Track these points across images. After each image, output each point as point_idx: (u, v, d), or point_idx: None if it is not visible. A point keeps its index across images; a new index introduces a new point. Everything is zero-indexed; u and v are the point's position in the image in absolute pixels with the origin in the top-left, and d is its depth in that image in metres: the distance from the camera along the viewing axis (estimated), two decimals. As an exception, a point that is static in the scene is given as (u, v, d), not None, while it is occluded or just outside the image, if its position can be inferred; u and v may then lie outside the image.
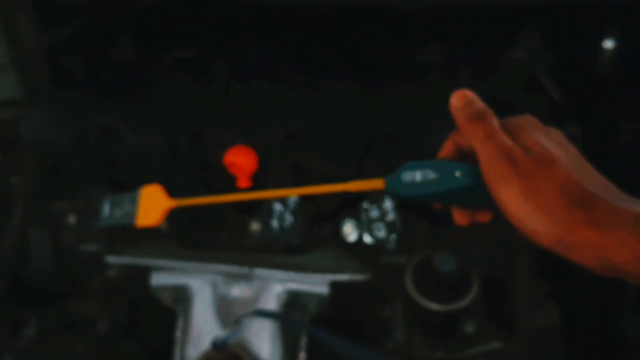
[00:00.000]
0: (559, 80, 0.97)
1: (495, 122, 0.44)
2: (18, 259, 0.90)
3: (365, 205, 0.81)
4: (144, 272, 0.88)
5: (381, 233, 0.81)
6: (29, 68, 1.17)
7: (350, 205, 0.86)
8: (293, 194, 0.58)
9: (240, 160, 0.81)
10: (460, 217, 0.51)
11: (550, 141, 0.44)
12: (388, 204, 0.81)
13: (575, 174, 0.42)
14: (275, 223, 0.82)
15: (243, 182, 0.85)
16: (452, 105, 0.46)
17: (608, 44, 0.97)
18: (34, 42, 1.12)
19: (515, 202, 0.41)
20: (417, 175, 0.46)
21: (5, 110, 1.14)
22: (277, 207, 0.82)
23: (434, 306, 0.75)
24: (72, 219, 0.88)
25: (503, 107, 0.86)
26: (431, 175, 0.46)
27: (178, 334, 0.87)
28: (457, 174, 0.45)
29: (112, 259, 0.87)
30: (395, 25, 1.00)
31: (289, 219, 0.82)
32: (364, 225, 0.82)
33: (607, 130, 0.93)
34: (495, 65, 0.90)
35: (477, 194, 0.45)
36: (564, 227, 0.40)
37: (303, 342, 0.87)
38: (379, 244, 0.83)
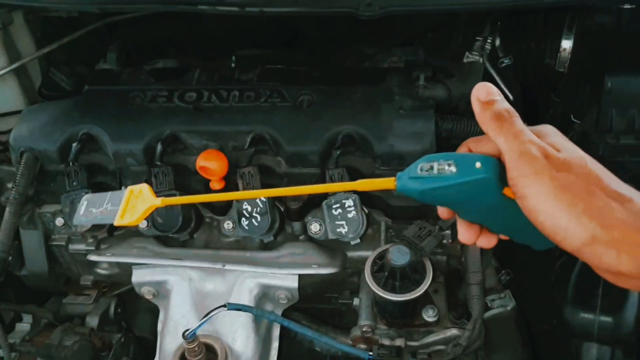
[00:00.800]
0: (518, 80, 1.02)
1: (520, 121, 0.44)
2: (12, 259, 0.96)
3: (327, 203, 0.87)
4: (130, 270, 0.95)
5: (344, 229, 0.87)
6: (29, 80, 1.25)
7: (316, 205, 0.91)
8: (296, 192, 0.55)
9: (212, 163, 0.87)
10: (465, 233, 0.49)
11: (574, 145, 0.44)
12: (350, 201, 0.86)
13: (604, 173, 0.42)
14: (245, 222, 0.88)
15: (215, 184, 0.91)
16: (476, 98, 0.45)
17: (566, 42, 1.02)
18: (30, 55, 1.20)
19: (546, 198, 0.40)
20: (435, 166, 0.44)
21: (6, 121, 1.23)
22: (248, 207, 0.88)
23: (391, 297, 0.80)
24: (60, 221, 0.94)
25: (459, 110, 0.92)
26: (449, 166, 0.44)
27: (159, 326, 0.93)
28: (478, 164, 0.44)
29: (95, 257, 0.94)
30: (355, 34, 1.05)
31: (259, 217, 0.87)
32: (330, 222, 0.87)
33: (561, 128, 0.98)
34: (452, 68, 0.95)
35: (493, 196, 0.44)
36: (599, 223, 0.39)
37: (276, 332, 0.93)
38: (343, 239, 0.88)
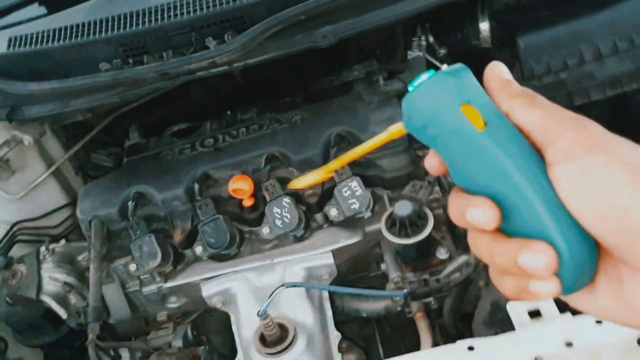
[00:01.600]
0: (455, 61, 1.28)
1: None
2: (104, 310, 1.17)
3: (337, 189, 1.10)
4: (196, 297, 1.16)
5: (356, 205, 1.09)
6: (65, 179, 1.49)
7: (329, 196, 1.14)
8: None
9: (241, 185, 1.10)
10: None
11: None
12: (354, 182, 1.09)
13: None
14: (279, 222, 1.10)
15: (247, 202, 1.14)
16: (496, 76, 0.42)
17: (483, 25, 1.29)
18: (62, 158, 1.45)
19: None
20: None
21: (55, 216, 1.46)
22: (277, 209, 1.10)
23: (407, 241, 1.02)
24: (133, 267, 1.16)
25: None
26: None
27: (234, 328, 1.13)
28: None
29: (170, 284, 1.15)
30: (319, 67, 1.32)
31: (289, 215, 1.10)
32: (343, 203, 1.10)
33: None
34: (402, 65, 1.21)
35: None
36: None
37: (327, 304, 1.14)
38: (357, 214, 1.11)
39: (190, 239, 1.16)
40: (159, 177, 1.15)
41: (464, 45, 1.31)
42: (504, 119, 0.41)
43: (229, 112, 1.33)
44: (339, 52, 1.39)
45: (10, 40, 1.22)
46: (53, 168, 1.44)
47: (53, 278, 1.19)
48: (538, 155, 0.39)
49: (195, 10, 1.11)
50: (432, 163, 0.44)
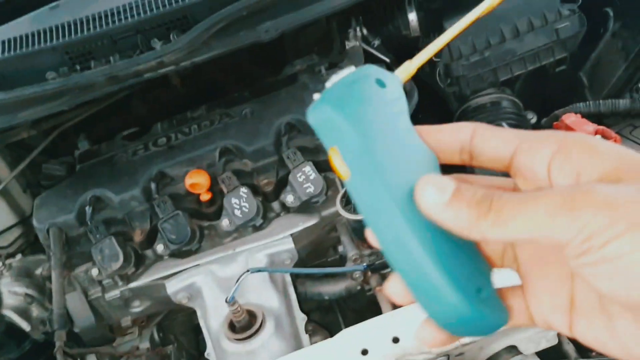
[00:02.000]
0: (389, 51, 1.36)
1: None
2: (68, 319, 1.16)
3: (292, 175, 1.15)
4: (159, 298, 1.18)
5: (311, 189, 1.14)
6: (12, 198, 1.47)
7: (285, 184, 1.19)
8: None
9: (198, 179, 1.13)
10: None
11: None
12: (307, 167, 1.15)
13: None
14: (238, 212, 1.14)
15: (204, 196, 1.17)
16: (426, 193, 0.34)
17: (411, 15, 1.38)
18: (9, 176, 1.43)
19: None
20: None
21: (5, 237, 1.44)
22: (235, 200, 1.14)
23: (360, 216, 1.08)
24: (95, 272, 1.16)
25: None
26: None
27: (201, 322, 1.15)
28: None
29: (135, 284, 1.16)
30: (265, 54, 1.37)
31: (247, 205, 1.14)
32: (298, 187, 1.15)
33: (427, 67, 1.33)
34: (340, 56, 1.28)
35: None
36: None
37: (291, 288, 1.18)
38: (313, 198, 1.16)
39: (151, 238, 1.18)
40: (115, 180, 1.16)
41: (396, 36, 1.40)
42: (374, 160, 0.35)
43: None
44: (278, 51, 1.45)
45: (-52, 56, 1.21)
46: (2, 185, 1.42)
47: (12, 292, 1.18)
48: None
49: (139, 14, 1.15)
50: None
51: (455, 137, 0.37)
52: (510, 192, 0.33)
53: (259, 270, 1.08)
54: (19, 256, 1.27)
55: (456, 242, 0.34)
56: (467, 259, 0.35)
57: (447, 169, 0.37)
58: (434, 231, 0.34)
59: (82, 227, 1.16)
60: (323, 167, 1.20)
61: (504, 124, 1.14)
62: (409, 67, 0.41)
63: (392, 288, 0.37)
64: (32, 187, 1.52)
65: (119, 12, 1.17)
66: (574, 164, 0.32)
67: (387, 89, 0.38)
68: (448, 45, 1.23)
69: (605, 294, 0.31)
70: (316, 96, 0.38)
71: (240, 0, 1.12)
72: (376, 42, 1.35)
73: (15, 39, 1.20)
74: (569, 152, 0.32)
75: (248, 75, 1.48)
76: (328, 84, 0.38)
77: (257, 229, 1.19)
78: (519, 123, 1.20)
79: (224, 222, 1.18)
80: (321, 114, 0.37)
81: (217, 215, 1.19)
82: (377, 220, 0.35)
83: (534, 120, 1.27)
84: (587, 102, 1.09)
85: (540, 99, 1.33)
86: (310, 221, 1.16)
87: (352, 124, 0.36)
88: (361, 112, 0.36)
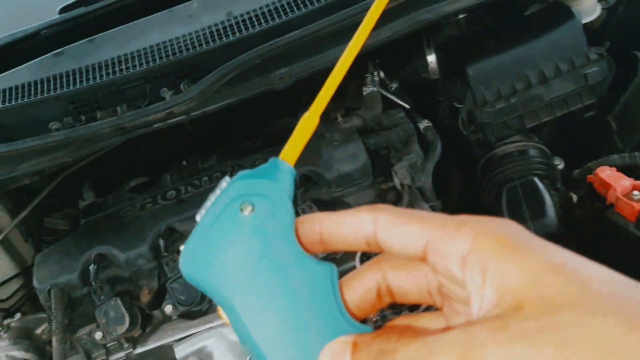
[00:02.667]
0: (407, 94, 1.31)
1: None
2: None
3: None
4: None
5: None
6: (14, 248, 1.41)
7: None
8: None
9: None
10: None
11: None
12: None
13: None
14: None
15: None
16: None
17: (430, 57, 1.33)
18: (10, 225, 1.36)
19: None
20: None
21: (4, 289, 1.37)
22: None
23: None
24: (99, 335, 1.09)
25: (373, 130, 1.18)
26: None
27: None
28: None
29: (140, 350, 1.08)
30: (273, 103, 1.32)
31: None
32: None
33: (451, 115, 1.27)
34: (357, 101, 1.22)
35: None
36: None
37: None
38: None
39: (158, 298, 1.11)
40: (121, 236, 1.10)
41: (414, 78, 1.35)
42: (245, 323, 0.33)
43: (184, 162, 1.30)
44: (290, 95, 1.39)
45: (-53, 106, 1.16)
46: (2, 235, 1.36)
47: (10, 357, 1.10)
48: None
49: (147, 62, 1.09)
50: None
51: (357, 229, 0.34)
52: (407, 340, 0.30)
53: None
54: (18, 316, 1.20)
55: None
56: None
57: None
58: None
59: (85, 287, 1.09)
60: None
61: (535, 179, 1.07)
62: (297, 143, 0.39)
63: None
64: (34, 236, 1.46)
65: (126, 60, 1.11)
66: (491, 273, 0.29)
67: (257, 209, 0.34)
68: (471, 90, 1.17)
69: None
70: (182, 247, 0.35)
71: (255, 48, 1.06)
72: (394, 86, 1.29)
73: (17, 87, 1.15)
74: (484, 256, 0.29)
75: (260, 119, 1.42)
76: (197, 217, 0.35)
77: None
78: (548, 173, 1.13)
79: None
80: (185, 276, 0.35)
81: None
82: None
83: (561, 166, 1.21)
84: (622, 155, 1.03)
85: (567, 144, 1.26)
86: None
87: (217, 291, 0.33)
88: (224, 268, 0.33)
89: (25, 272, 1.43)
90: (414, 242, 0.32)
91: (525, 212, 1.03)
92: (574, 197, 1.11)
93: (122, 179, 1.33)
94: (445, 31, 1.31)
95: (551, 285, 0.27)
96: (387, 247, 0.34)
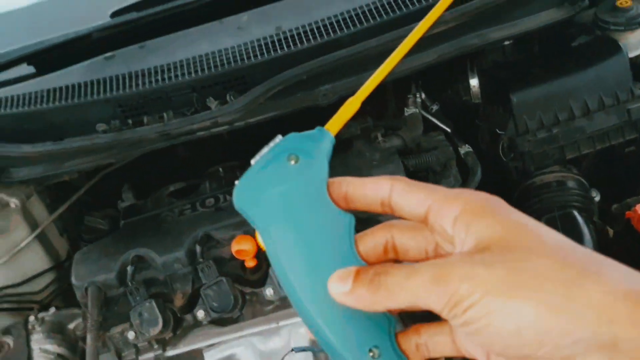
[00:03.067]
0: (448, 116, 1.31)
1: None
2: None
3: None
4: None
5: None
6: (49, 243, 1.44)
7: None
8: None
9: (244, 246, 1.08)
10: None
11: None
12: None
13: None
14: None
15: (250, 262, 1.12)
16: (337, 294, 0.39)
17: (473, 81, 1.33)
18: (47, 220, 1.39)
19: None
20: None
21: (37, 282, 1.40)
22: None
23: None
24: (131, 334, 1.11)
25: (412, 151, 1.19)
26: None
27: (238, 397, 1.09)
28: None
29: (171, 353, 1.10)
30: (309, 116, 1.33)
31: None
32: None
33: (491, 141, 1.27)
34: (397, 121, 1.23)
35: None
36: None
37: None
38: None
39: (191, 302, 1.13)
40: (159, 240, 1.12)
41: (455, 101, 1.35)
42: (284, 252, 0.41)
43: (220, 169, 1.32)
44: (327, 110, 1.41)
45: (0, 100, 1.20)
46: (38, 231, 1.39)
47: (44, 350, 1.13)
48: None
49: (196, 71, 1.12)
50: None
51: (376, 192, 0.43)
52: (397, 266, 0.39)
53: (303, 350, 1.02)
54: (52, 309, 1.23)
55: (352, 313, 0.40)
56: (363, 325, 0.40)
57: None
58: (330, 306, 0.40)
59: (121, 286, 1.11)
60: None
61: (574, 212, 1.07)
62: (340, 118, 0.46)
63: None
64: (69, 232, 1.49)
65: (175, 68, 1.14)
66: (473, 227, 0.38)
67: (301, 161, 0.42)
68: (514, 117, 1.18)
69: (482, 347, 0.39)
70: (236, 182, 0.43)
71: (302, 64, 1.08)
72: (434, 108, 1.30)
73: (67, 87, 1.18)
74: (470, 216, 0.38)
75: (294, 129, 1.44)
76: (252, 161, 0.43)
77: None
78: (586, 206, 1.13)
79: (268, 291, 1.12)
80: (236, 206, 0.42)
81: (261, 282, 1.14)
82: (288, 292, 0.41)
83: (597, 198, 1.20)
84: (664, 192, 1.03)
85: (605, 177, 1.26)
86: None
87: (260, 219, 0.41)
88: (268, 202, 0.41)
89: (58, 266, 1.46)
90: (420, 205, 0.40)
91: (563, 245, 1.02)
92: (610, 232, 1.11)
93: (158, 181, 1.36)
94: (490, 56, 1.31)
95: (513, 236, 0.37)
96: (398, 208, 0.42)
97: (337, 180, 0.43)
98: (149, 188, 1.34)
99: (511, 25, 1.19)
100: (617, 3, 1.20)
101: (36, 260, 1.43)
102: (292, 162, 0.42)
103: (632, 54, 1.17)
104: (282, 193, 0.41)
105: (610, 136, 1.16)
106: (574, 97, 1.15)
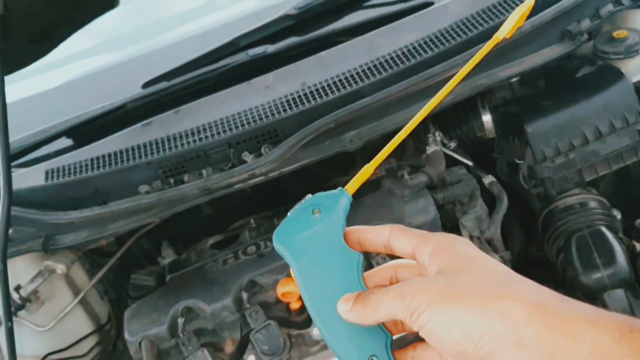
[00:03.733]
0: (467, 152, 1.39)
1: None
2: None
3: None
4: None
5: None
6: (90, 307, 1.48)
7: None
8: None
9: (290, 288, 1.13)
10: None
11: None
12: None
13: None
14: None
15: (295, 304, 1.16)
16: (343, 312, 0.52)
17: (486, 117, 1.41)
18: (88, 285, 1.44)
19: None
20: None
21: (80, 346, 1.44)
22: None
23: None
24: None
25: (437, 187, 1.25)
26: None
27: None
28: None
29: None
30: (349, 160, 1.40)
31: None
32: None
33: (510, 171, 1.34)
34: (418, 159, 1.31)
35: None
36: None
37: None
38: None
39: (240, 349, 1.16)
40: (206, 290, 1.17)
41: (470, 137, 1.43)
42: (306, 279, 0.54)
43: (252, 221, 1.38)
44: (344, 155, 1.48)
45: (47, 172, 1.28)
46: (82, 294, 1.44)
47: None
48: None
49: (231, 129, 1.20)
50: None
51: (378, 237, 0.55)
52: (380, 289, 0.51)
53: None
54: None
55: (355, 328, 0.51)
56: (364, 338, 0.51)
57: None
58: (339, 323, 0.52)
59: (173, 338, 1.15)
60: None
61: (602, 228, 1.12)
62: (358, 180, 0.59)
63: None
64: (109, 294, 1.54)
65: (211, 128, 1.22)
66: (438, 259, 0.51)
67: (323, 213, 0.55)
68: (531, 147, 1.24)
69: (435, 348, 0.49)
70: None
71: (329, 114, 1.16)
72: (452, 144, 1.37)
73: (109, 154, 1.26)
74: (438, 251, 0.51)
75: (315, 178, 1.51)
76: (289, 213, 0.56)
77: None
78: (610, 223, 1.18)
79: (315, 331, 1.16)
80: (275, 246, 0.56)
81: (307, 323, 1.18)
82: (310, 313, 0.53)
83: (619, 217, 1.25)
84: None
85: (623, 196, 1.31)
86: (404, 330, 1.14)
87: (292, 256, 0.54)
88: (298, 243, 0.54)
89: (100, 329, 1.50)
90: (409, 245, 0.53)
91: (596, 259, 1.07)
92: (638, 246, 1.16)
93: (187, 238, 1.41)
94: (498, 94, 1.40)
95: (460, 263, 0.50)
96: (394, 248, 0.55)
97: (352, 228, 0.57)
98: (180, 245, 1.40)
99: (517, 64, 1.28)
100: (614, 34, 1.30)
101: (79, 324, 1.47)
102: (316, 214, 0.55)
103: (634, 79, 1.25)
104: (308, 237, 0.54)
105: (624, 156, 1.22)
106: (585, 124, 1.22)
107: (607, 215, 1.20)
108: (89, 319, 1.50)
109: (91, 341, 1.48)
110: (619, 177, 1.31)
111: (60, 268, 1.35)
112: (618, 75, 1.23)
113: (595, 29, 1.32)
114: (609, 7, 1.31)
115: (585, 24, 1.29)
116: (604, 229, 1.11)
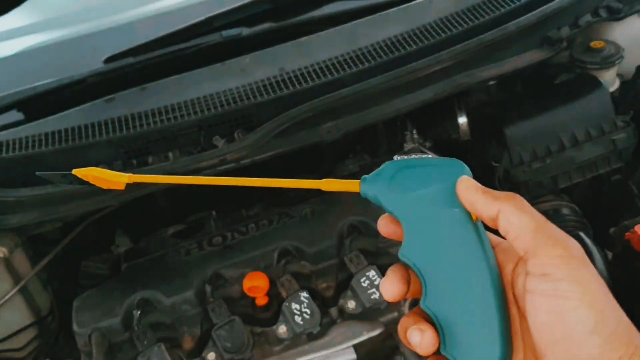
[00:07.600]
0: (441, 154, 1.36)
1: None
2: None
3: (356, 279, 1.09)
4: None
5: (376, 295, 1.08)
6: (30, 296, 1.36)
7: (344, 288, 1.13)
8: (270, 184, 0.57)
9: (257, 282, 1.07)
10: (390, 287, 0.50)
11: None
12: (372, 272, 1.09)
13: None
14: (299, 319, 1.07)
15: (261, 300, 1.10)
16: (469, 184, 0.48)
17: (462, 119, 1.39)
18: (30, 272, 1.33)
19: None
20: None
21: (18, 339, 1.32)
22: (296, 305, 1.07)
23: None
24: (139, 383, 1.05)
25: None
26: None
27: None
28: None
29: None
30: (327, 153, 1.35)
31: (309, 311, 1.07)
32: (362, 294, 1.08)
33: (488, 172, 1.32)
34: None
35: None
36: None
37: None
38: (377, 304, 1.09)
39: (199, 345, 1.09)
40: (166, 281, 1.09)
41: (445, 139, 1.40)
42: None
43: (213, 212, 1.30)
44: (314, 152, 1.43)
45: (-5, 146, 1.16)
46: (23, 282, 1.32)
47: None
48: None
49: (202, 111, 1.12)
50: (389, 229, 0.53)
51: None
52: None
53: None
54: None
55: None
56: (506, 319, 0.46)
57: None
58: (499, 298, 0.46)
59: (127, 332, 1.06)
60: (384, 270, 1.14)
61: (582, 234, 1.11)
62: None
63: (386, 228, 0.53)
64: (53, 284, 1.42)
65: (180, 108, 1.14)
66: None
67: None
68: (508, 150, 1.23)
69: (532, 321, 0.44)
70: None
71: (307, 102, 1.11)
72: (427, 144, 1.35)
73: (67, 130, 1.16)
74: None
75: (287, 173, 1.44)
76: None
77: (312, 337, 1.11)
78: (586, 229, 1.18)
79: (281, 329, 1.10)
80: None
81: (272, 320, 1.11)
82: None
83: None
84: (660, 214, 1.08)
85: (592, 206, 1.32)
86: (375, 330, 1.09)
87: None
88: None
89: (40, 321, 1.39)
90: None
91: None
92: (609, 254, 1.15)
93: (148, 224, 1.32)
94: (475, 95, 1.38)
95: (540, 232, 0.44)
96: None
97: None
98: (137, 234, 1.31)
99: (498, 65, 1.26)
100: (592, 45, 1.30)
101: (17, 315, 1.35)
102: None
103: (610, 90, 1.26)
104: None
105: (598, 165, 1.23)
106: (562, 130, 1.22)
107: (580, 222, 1.19)
108: (28, 309, 1.38)
109: (30, 334, 1.36)
110: (591, 186, 1.31)
111: (1, 251, 1.24)
112: (596, 84, 1.23)
113: (572, 38, 1.32)
114: (588, 17, 1.32)
115: (565, 31, 1.29)
116: (582, 234, 1.10)
